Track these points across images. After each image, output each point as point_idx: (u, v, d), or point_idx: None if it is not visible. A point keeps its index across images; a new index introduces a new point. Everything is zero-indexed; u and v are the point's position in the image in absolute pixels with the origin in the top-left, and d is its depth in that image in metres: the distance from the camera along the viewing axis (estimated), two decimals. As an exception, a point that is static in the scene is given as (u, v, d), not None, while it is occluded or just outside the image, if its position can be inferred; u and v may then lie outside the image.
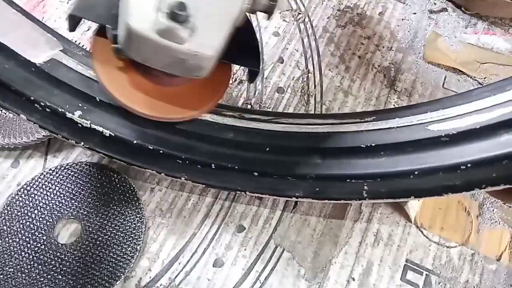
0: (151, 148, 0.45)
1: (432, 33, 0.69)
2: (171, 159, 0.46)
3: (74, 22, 0.37)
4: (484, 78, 0.64)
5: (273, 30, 0.67)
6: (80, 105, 0.44)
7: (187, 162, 0.46)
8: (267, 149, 0.46)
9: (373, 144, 0.44)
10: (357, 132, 0.45)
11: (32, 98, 0.43)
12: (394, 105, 0.61)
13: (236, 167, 0.45)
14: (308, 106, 0.60)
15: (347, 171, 0.44)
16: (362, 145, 0.44)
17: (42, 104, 0.43)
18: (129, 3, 0.31)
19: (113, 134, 0.44)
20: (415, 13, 0.71)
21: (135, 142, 0.44)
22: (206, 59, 0.32)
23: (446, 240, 0.51)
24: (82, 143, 0.45)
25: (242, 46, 0.36)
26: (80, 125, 0.44)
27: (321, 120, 0.47)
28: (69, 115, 0.43)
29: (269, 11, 0.34)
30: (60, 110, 0.43)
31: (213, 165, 0.45)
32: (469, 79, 0.64)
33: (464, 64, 0.65)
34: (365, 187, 0.43)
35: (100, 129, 0.44)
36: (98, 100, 0.44)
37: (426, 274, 0.49)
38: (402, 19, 0.71)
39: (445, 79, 0.64)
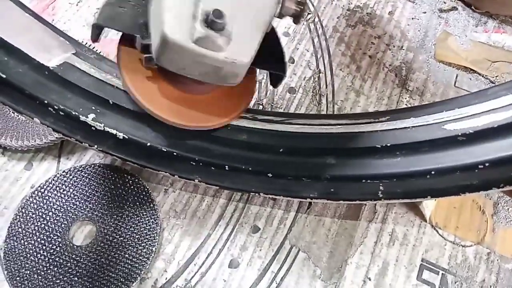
0: (165, 150, 0.45)
1: (442, 32, 0.69)
2: (185, 161, 0.45)
3: (98, 31, 0.36)
4: (496, 76, 0.64)
5: (283, 30, 0.67)
6: (93, 108, 0.44)
7: (201, 164, 0.45)
8: (281, 150, 0.45)
9: (388, 144, 0.43)
10: (372, 132, 0.45)
11: (45, 101, 0.43)
12: (406, 104, 0.61)
13: (250, 169, 0.45)
14: (320, 106, 0.60)
15: (362, 171, 0.44)
16: (377, 145, 0.43)
17: (56, 107, 0.43)
18: (163, 12, 0.30)
19: (126, 137, 0.44)
20: (425, 12, 0.71)
21: (148, 144, 0.44)
22: (242, 66, 0.32)
23: (461, 239, 0.51)
24: (96, 146, 0.45)
25: (268, 51, 0.36)
26: (94, 128, 0.44)
27: (335, 120, 0.47)
28: (82, 118, 0.43)
29: (296, 16, 0.34)
30: (73, 113, 0.43)
31: (226, 166, 0.45)
32: (481, 78, 0.64)
33: (475, 62, 0.65)
34: (381, 188, 0.43)
35: (114, 131, 0.44)
36: (111, 102, 0.44)
37: (442, 273, 0.49)
38: (412, 18, 0.71)
39: (456, 78, 0.64)
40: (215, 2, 0.30)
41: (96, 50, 0.51)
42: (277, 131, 0.46)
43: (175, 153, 0.45)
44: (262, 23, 0.32)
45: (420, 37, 0.68)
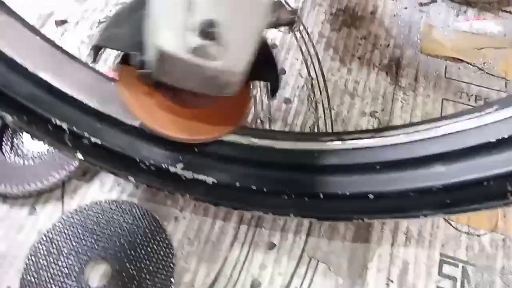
0: (254, 188, 0.43)
1: (426, 25, 0.70)
2: (277, 196, 0.43)
3: (96, 52, 0.37)
4: (484, 63, 0.65)
5: (270, 42, 0.68)
6: (180, 158, 0.43)
7: (293, 196, 0.42)
8: (378, 167, 0.40)
9: (506, 136, 0.35)
10: (480, 128, 0.37)
11: (137, 159, 0.43)
12: (401, 101, 0.62)
13: (347, 193, 0.40)
14: (317, 113, 0.61)
15: (484, 173, 0.36)
16: (491, 140, 0.36)
17: (146, 163, 0.43)
18: (157, 25, 0.31)
19: (216, 181, 0.43)
20: (406, 8, 0.72)
21: (238, 185, 0.43)
22: (237, 74, 0.32)
23: (475, 229, 0.51)
24: (188, 195, 0.45)
25: (261, 62, 0.36)
26: (184, 178, 0.43)
27: (430, 124, 0.41)
28: (172, 169, 0.43)
29: (291, 24, 0.35)
30: (163, 166, 0.43)
31: (321, 194, 0.41)
32: (469, 66, 0.65)
33: (461, 52, 0.66)
34: (509, 188, 0.35)
35: (203, 178, 0.43)
36: (196, 150, 0.43)
37: (462, 266, 0.49)
38: (394, 15, 0.72)
39: (446, 69, 0.65)
40: (209, 11, 0.30)
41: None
42: (369, 148, 0.41)
43: (264, 189, 0.43)
44: (256, 32, 0.33)
45: (405, 33, 0.69)
